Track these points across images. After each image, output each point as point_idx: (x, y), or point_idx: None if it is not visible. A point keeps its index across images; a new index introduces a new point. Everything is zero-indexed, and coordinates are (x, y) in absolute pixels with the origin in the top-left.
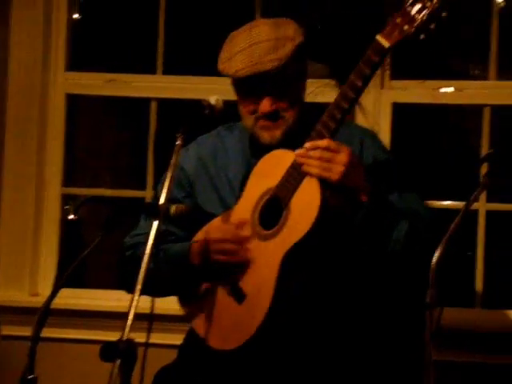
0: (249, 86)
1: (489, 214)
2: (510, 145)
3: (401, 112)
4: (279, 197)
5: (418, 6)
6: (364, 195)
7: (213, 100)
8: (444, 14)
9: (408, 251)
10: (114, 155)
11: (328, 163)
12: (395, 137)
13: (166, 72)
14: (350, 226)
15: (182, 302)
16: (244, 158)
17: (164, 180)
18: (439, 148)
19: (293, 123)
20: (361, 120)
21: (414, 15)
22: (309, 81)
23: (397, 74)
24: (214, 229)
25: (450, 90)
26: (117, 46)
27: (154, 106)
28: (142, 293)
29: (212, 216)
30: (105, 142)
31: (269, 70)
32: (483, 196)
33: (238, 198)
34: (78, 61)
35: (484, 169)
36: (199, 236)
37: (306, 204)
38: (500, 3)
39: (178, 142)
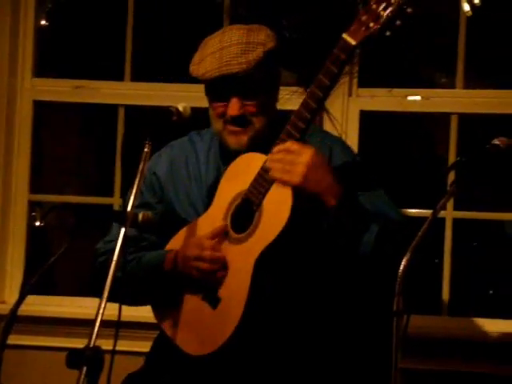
0: (218, 88)
1: (455, 221)
2: (477, 153)
3: (369, 120)
4: (250, 200)
5: (383, 3)
6: (332, 198)
7: (181, 107)
8: (409, 11)
9: (379, 253)
10: (82, 162)
11: (289, 165)
12: (363, 145)
13: (133, 79)
14: (319, 229)
15: (156, 308)
16: (214, 162)
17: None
18: (407, 156)
19: (261, 129)
20: (329, 128)
21: (379, 12)
22: None
23: (365, 82)
24: (191, 244)
25: (418, 98)
26: (84, 52)
27: (121, 112)
28: (116, 301)
29: (184, 221)
30: (72, 148)
31: (236, 73)
32: (450, 204)
33: (208, 202)
34: (45, 67)
35: (451, 177)
36: (173, 244)
37: (277, 206)
38: (467, 12)
39: (145, 149)
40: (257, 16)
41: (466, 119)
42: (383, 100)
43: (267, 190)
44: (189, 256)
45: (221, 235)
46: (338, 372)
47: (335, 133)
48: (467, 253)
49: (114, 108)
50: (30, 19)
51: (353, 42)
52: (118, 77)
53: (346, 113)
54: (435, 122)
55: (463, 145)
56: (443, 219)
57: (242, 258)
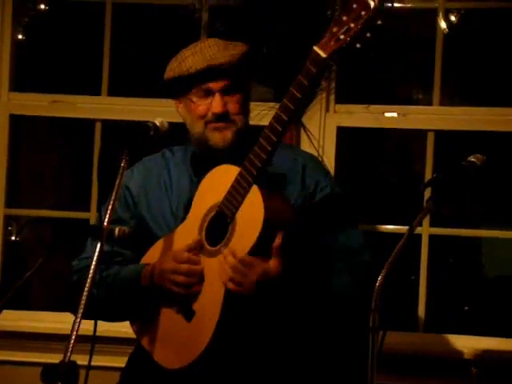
0: (201, 84)
1: (431, 238)
2: (453, 170)
3: (346, 136)
4: (224, 213)
5: (353, 15)
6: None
7: (158, 122)
8: (379, 23)
9: (352, 297)
10: (58, 176)
11: (240, 278)
12: (340, 160)
13: (110, 93)
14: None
15: (133, 322)
16: (186, 177)
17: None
18: (384, 172)
19: (241, 129)
20: (306, 143)
21: (349, 24)
22: (254, 103)
23: (342, 99)
24: (167, 258)
25: (394, 114)
26: (61, 67)
27: (98, 127)
28: (91, 318)
29: (157, 235)
30: (48, 162)
31: (222, 63)
32: (426, 220)
33: (183, 216)
34: (22, 81)
35: (428, 193)
36: (149, 257)
37: (250, 218)
38: (444, 29)
39: (122, 164)
40: (234, 31)
41: (442, 136)
42: (360, 116)
43: (240, 203)
44: (165, 269)
45: (197, 248)
46: None
47: (312, 148)
48: (443, 269)
49: (90, 122)
50: (7, 33)
51: (323, 55)
52: (95, 91)
53: (323, 128)
54: (412, 138)
55: (440, 161)
56: (419, 235)
57: (216, 271)
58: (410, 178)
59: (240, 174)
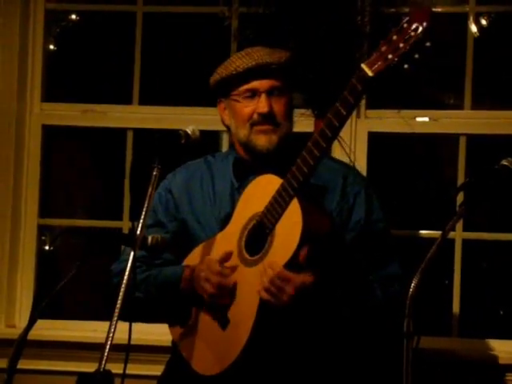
0: (248, 83)
1: (465, 242)
2: (486, 174)
3: (377, 141)
4: (264, 223)
5: (403, 35)
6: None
7: (189, 130)
8: (427, 44)
9: (382, 309)
10: (90, 186)
11: (277, 292)
12: (371, 166)
13: (141, 102)
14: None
15: (172, 326)
16: (228, 183)
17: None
18: (416, 177)
19: (286, 134)
20: (337, 149)
21: (398, 44)
22: None
23: (373, 104)
24: (203, 265)
25: (426, 119)
26: (92, 76)
27: (130, 136)
28: (130, 319)
29: (198, 239)
30: (81, 172)
31: (270, 63)
32: (460, 225)
33: (223, 222)
34: (53, 92)
35: (460, 198)
36: (190, 260)
37: (288, 232)
38: (475, 33)
39: (154, 173)
40: (264, 39)
41: (474, 140)
42: (391, 121)
43: (280, 215)
44: (200, 276)
45: (229, 259)
46: None
47: (344, 154)
48: (477, 273)
49: (122, 131)
50: (39, 44)
51: (370, 74)
52: (126, 100)
53: (354, 134)
54: (444, 142)
55: (472, 165)
56: (453, 240)
57: (252, 281)
58: (442, 182)
59: (282, 186)
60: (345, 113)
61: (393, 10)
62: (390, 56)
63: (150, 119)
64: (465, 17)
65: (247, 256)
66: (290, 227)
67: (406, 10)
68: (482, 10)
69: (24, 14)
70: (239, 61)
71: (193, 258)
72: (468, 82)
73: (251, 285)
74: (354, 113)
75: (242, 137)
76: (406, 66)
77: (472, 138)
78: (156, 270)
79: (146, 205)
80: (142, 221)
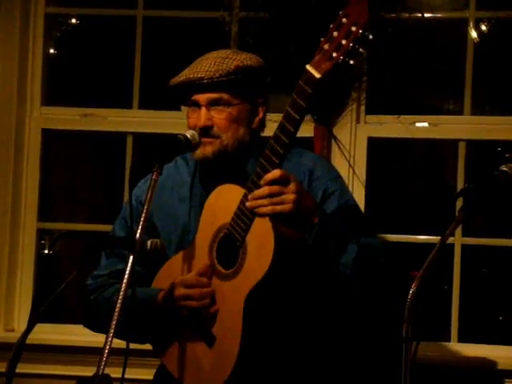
0: (191, 99)
1: (464, 247)
2: (485, 179)
3: (376, 146)
4: (233, 235)
5: (343, 31)
6: (315, 216)
7: (189, 134)
8: (371, 37)
9: (359, 276)
10: (90, 190)
11: (279, 197)
12: (371, 171)
13: (141, 106)
14: (305, 252)
15: (157, 349)
16: (198, 186)
17: (140, 212)
18: (415, 182)
19: (229, 146)
20: (337, 154)
21: (340, 41)
22: (278, 115)
23: (372, 109)
24: (178, 284)
25: (425, 124)
26: (92, 80)
27: (129, 140)
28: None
29: (169, 247)
30: (80, 176)
31: (201, 78)
32: (459, 230)
33: (187, 231)
34: (53, 96)
35: (460, 203)
36: (159, 280)
37: (260, 246)
38: (475, 38)
39: (153, 177)
40: (264, 43)
41: (473, 145)
42: (391, 127)
43: (249, 226)
44: (177, 296)
45: (207, 274)
46: None
47: (343, 159)
48: (476, 279)
49: (122, 136)
50: (39, 48)
51: (317, 75)
52: (126, 105)
53: (353, 139)
54: (443, 148)
55: (471, 171)
56: (452, 245)
57: (232, 295)
58: (441, 187)
59: (245, 197)
60: (298, 117)
61: (393, 15)
62: (334, 54)
63: (149, 123)
64: (465, 22)
65: (221, 269)
66: (261, 241)
67: (406, 15)
68: (482, 15)
69: (24, 18)
70: (187, 70)
71: (162, 278)
72: (468, 88)
73: (231, 300)
74: (354, 118)
75: None
76: (354, 61)
77: (471, 144)
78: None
79: (144, 209)
80: (141, 224)
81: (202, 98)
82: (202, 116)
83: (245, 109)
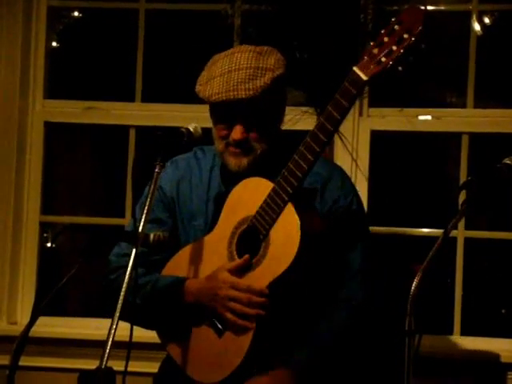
0: (223, 111)
1: (467, 241)
2: (488, 172)
3: (379, 139)
4: (257, 228)
5: (395, 37)
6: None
7: (191, 127)
8: (422, 46)
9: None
10: (93, 183)
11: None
12: (374, 164)
13: (144, 100)
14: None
15: (163, 334)
16: (216, 181)
17: (143, 206)
18: (418, 175)
19: (261, 154)
20: (340, 147)
21: (391, 47)
22: (288, 108)
23: (375, 102)
24: (217, 281)
25: (428, 117)
26: (95, 73)
27: (132, 133)
28: (127, 321)
29: (182, 240)
30: (83, 169)
31: (243, 99)
32: (462, 223)
33: (208, 222)
34: (56, 89)
35: (463, 196)
36: (174, 265)
37: (285, 238)
38: (478, 31)
39: (156, 170)
40: (267, 37)
41: (476, 138)
42: (394, 120)
43: (274, 220)
44: (221, 295)
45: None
46: None
47: (346, 152)
48: (479, 272)
49: (124, 129)
50: (41, 41)
51: (364, 78)
52: (129, 98)
53: (356, 132)
54: (446, 141)
55: (474, 164)
56: (455, 239)
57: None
58: (444, 180)
59: (274, 191)
60: (339, 117)
61: (395, 7)
62: (383, 59)
63: (152, 117)
64: (468, 15)
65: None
66: (285, 236)
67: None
68: (485, 8)
69: (27, 11)
70: (216, 85)
71: (179, 262)
72: (471, 81)
73: None
74: (357, 111)
75: (219, 149)
76: (400, 68)
77: (474, 137)
78: (152, 276)
79: (147, 202)
80: (143, 218)
81: (238, 114)
82: (238, 131)
83: (274, 112)
